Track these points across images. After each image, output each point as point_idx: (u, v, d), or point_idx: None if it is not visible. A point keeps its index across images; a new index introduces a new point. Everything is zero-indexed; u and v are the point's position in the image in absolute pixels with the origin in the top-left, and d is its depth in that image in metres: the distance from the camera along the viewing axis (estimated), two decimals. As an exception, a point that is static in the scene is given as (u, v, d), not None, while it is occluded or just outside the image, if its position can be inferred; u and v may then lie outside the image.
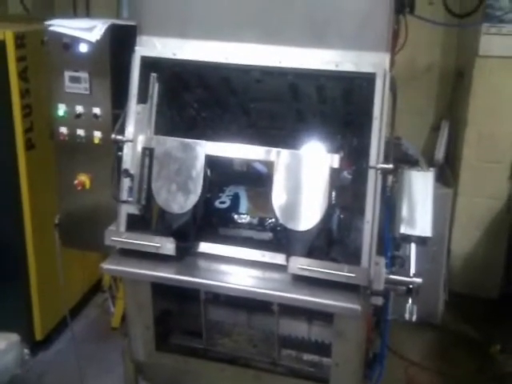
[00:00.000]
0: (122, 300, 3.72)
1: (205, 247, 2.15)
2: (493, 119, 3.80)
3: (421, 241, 2.15)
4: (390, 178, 2.11)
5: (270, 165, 2.62)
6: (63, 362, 3.41)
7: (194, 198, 2.04)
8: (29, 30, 2.95)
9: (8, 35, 2.86)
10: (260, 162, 2.48)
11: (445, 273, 3.89)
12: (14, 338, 2.82)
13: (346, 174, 2.31)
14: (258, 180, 2.57)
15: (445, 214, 3.74)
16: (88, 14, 3.75)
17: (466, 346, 3.74)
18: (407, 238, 2.12)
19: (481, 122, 3.83)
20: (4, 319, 3.01)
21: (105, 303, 4.00)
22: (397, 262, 2.13)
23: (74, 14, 3.67)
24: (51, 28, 2.27)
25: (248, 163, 2.71)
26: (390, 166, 1.91)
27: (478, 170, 3.92)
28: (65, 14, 2.56)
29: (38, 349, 3.46)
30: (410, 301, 2.11)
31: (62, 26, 2.24)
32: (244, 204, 2.37)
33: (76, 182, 2.42)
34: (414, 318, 2.11)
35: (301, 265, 1.91)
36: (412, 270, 2.10)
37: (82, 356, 3.18)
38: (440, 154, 3.93)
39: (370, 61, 1.92)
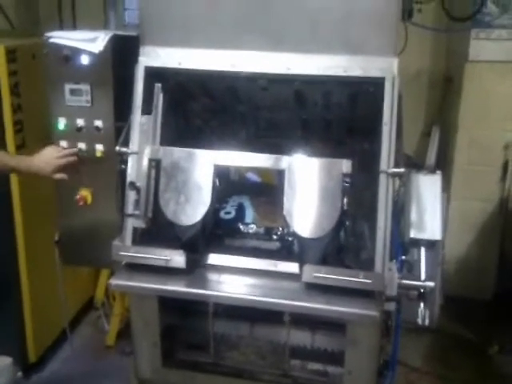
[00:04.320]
0: (116, 317, 3.64)
1: (213, 258, 2.11)
2: (483, 123, 3.83)
3: (430, 244, 2.15)
4: (397, 182, 2.11)
5: (264, 174, 2.63)
6: (57, 383, 3.31)
7: (203, 209, 2.01)
8: (20, 45, 2.87)
9: (-1, 49, 2.79)
10: (266, 169, 2.44)
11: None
12: (7, 360, 2.76)
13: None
14: (256, 189, 2.55)
15: (441, 218, 3.76)
16: (74, 26, 3.69)
17: (464, 348, 3.73)
18: (417, 242, 2.12)
19: (471, 126, 3.86)
20: (-4, 343, 2.93)
21: (98, 321, 3.90)
22: (405, 267, 2.12)
23: (60, 27, 3.61)
24: (51, 40, 2.22)
25: (240, 173, 2.69)
26: (402, 169, 1.90)
27: (470, 174, 3.94)
28: (51, 27, 2.49)
29: (31, 371, 3.34)
30: (422, 305, 2.10)
31: (62, 37, 2.20)
32: (250, 214, 2.35)
33: (77, 197, 2.36)
34: (427, 322, 2.10)
35: (316, 273, 1.88)
36: (423, 274, 2.10)
37: (78, 376, 3.09)
38: (432, 159, 3.94)
39: (378, 65, 1.93)
